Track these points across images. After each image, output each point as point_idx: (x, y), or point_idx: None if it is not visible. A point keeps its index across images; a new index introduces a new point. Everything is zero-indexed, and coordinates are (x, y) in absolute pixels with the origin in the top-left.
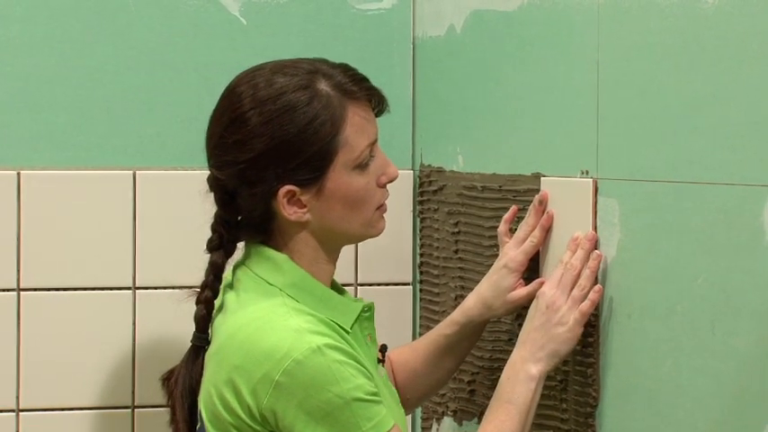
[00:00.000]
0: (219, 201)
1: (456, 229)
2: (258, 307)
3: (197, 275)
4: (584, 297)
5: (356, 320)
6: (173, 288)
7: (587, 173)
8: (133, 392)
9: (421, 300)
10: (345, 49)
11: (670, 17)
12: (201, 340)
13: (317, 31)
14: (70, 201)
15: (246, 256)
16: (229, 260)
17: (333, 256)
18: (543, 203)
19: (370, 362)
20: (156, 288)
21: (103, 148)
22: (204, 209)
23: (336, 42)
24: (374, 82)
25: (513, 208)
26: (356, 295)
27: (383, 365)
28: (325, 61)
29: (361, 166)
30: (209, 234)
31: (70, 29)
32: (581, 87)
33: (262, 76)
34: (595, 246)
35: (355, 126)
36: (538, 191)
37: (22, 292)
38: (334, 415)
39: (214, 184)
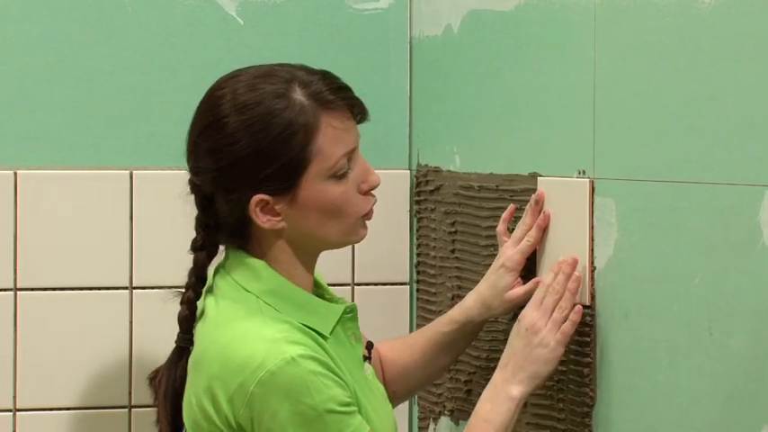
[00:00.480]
0: (199, 204)
1: (453, 229)
2: (234, 310)
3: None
4: (565, 319)
5: (338, 323)
6: (169, 288)
7: (584, 173)
8: (130, 392)
9: (418, 299)
10: (342, 49)
11: (667, 17)
12: (185, 341)
13: (314, 31)
14: (67, 200)
15: (226, 259)
16: (213, 261)
17: (311, 261)
18: (540, 203)
19: (354, 362)
20: (152, 288)
21: (100, 148)
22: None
23: (333, 42)
24: (371, 82)
25: (511, 207)
26: (353, 295)
27: (369, 362)
28: (304, 68)
29: (338, 175)
30: None
31: (67, 29)
32: (578, 87)
33: (241, 81)
34: (575, 268)
35: (329, 135)
36: (535, 191)
37: (18, 292)
38: (307, 426)
39: (193, 187)
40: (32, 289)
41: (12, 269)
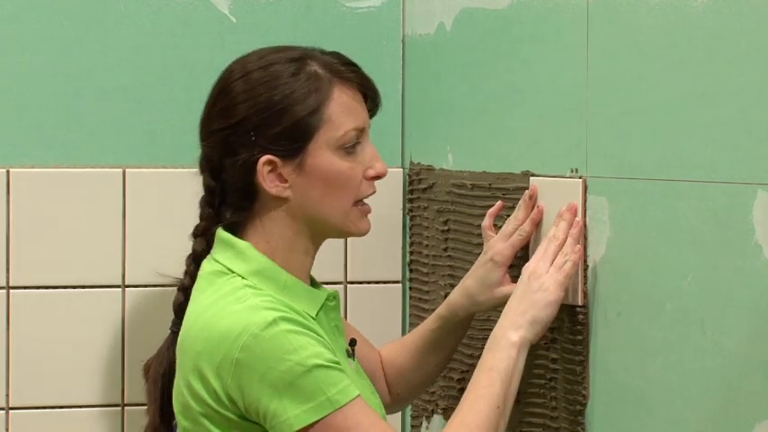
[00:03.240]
0: (206, 182)
1: (446, 227)
2: (216, 291)
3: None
4: None
5: (321, 309)
6: (162, 286)
7: (577, 171)
8: (123, 390)
9: (410, 298)
10: (335, 47)
11: (659, 16)
12: (177, 326)
13: (306, 29)
14: (60, 199)
15: (214, 244)
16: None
17: (312, 245)
18: (533, 198)
19: (339, 352)
20: (145, 286)
21: (93, 147)
22: (194, 206)
23: (326, 40)
24: None
25: (499, 203)
26: (345, 294)
27: (354, 359)
28: (319, 49)
29: (346, 148)
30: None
31: (60, 27)
32: (571, 86)
33: (254, 54)
34: (577, 214)
35: (341, 105)
36: (527, 189)
37: (11, 290)
38: (297, 383)
39: (202, 162)
40: (25, 287)
41: (5, 267)
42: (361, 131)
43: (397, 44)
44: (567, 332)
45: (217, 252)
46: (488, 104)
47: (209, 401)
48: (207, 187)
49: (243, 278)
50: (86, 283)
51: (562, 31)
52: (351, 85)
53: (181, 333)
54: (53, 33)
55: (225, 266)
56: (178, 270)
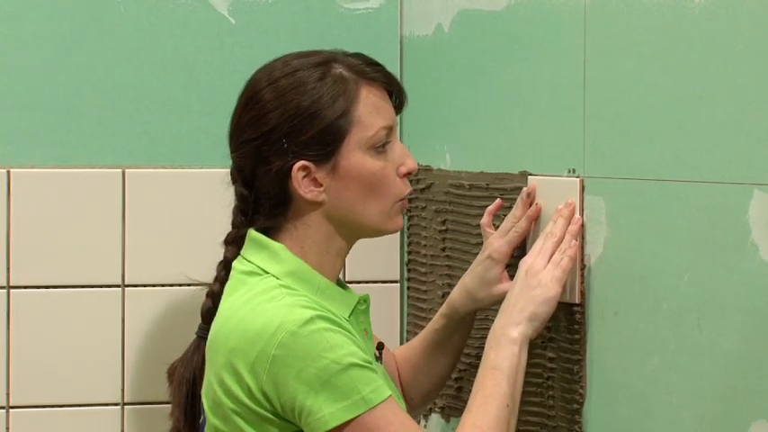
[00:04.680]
0: (238, 191)
1: (443, 227)
2: (250, 290)
3: (186, 273)
4: None
5: (352, 313)
6: (162, 286)
7: (574, 171)
8: (123, 390)
9: (409, 297)
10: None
11: (656, 17)
12: (205, 331)
13: (305, 31)
14: (60, 199)
15: (245, 245)
16: None
17: (345, 247)
18: (531, 195)
19: (369, 354)
20: (145, 286)
21: (93, 147)
22: (193, 206)
23: (325, 41)
24: None
25: (498, 201)
26: None
27: (381, 362)
28: (342, 51)
29: (377, 147)
30: (197, 232)
31: (60, 28)
32: (568, 86)
33: (279, 61)
34: (575, 212)
35: (369, 105)
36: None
37: (12, 290)
38: (333, 381)
39: (234, 172)
40: (26, 287)
41: (5, 267)
42: (390, 130)
43: (395, 45)
44: (564, 331)
45: (249, 252)
46: (486, 105)
47: (243, 398)
48: (240, 196)
49: (277, 278)
50: (86, 283)
51: (559, 32)
52: (377, 85)
53: (212, 330)
54: (53, 34)
55: (258, 267)
56: (177, 269)
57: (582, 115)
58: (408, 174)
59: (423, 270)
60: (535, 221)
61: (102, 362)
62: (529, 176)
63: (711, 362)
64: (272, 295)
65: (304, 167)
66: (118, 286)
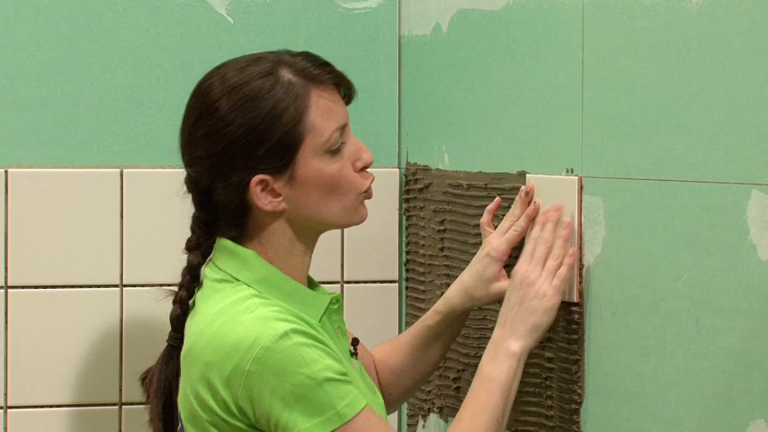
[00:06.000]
0: (196, 200)
1: (442, 227)
2: (223, 299)
3: None
4: (560, 266)
5: (324, 313)
6: (160, 286)
7: (572, 171)
8: (120, 390)
9: (407, 297)
10: (332, 48)
11: (654, 16)
12: (176, 339)
13: (303, 30)
14: (58, 199)
15: (215, 252)
16: (207, 260)
17: (310, 245)
18: (530, 194)
19: (343, 354)
20: (143, 286)
21: (91, 147)
22: (191, 207)
23: (323, 41)
24: (360, 80)
25: (497, 199)
26: (342, 293)
27: (356, 358)
28: (288, 51)
29: (332, 150)
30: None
31: (58, 27)
32: (566, 86)
33: (228, 68)
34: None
35: (320, 110)
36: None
37: (9, 290)
38: (308, 397)
39: (189, 183)
40: (24, 287)
41: (2, 267)
42: (344, 128)
43: (394, 45)
44: (562, 332)
45: (219, 260)
46: (484, 105)
47: (218, 411)
48: (198, 205)
49: (248, 286)
50: (84, 283)
51: (558, 31)
52: (326, 86)
53: (187, 340)
54: (51, 33)
55: (229, 275)
56: (175, 269)
57: (580, 115)
58: (365, 167)
59: (421, 270)
60: (534, 220)
61: (101, 362)
62: (527, 176)
63: (709, 362)
64: (246, 306)
65: (261, 181)
66: (116, 286)
